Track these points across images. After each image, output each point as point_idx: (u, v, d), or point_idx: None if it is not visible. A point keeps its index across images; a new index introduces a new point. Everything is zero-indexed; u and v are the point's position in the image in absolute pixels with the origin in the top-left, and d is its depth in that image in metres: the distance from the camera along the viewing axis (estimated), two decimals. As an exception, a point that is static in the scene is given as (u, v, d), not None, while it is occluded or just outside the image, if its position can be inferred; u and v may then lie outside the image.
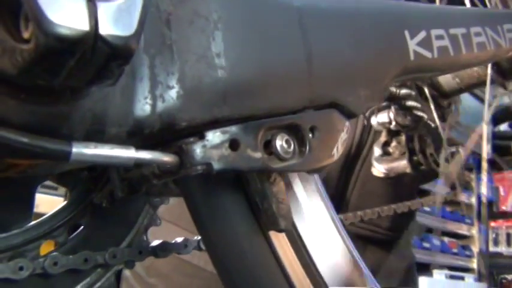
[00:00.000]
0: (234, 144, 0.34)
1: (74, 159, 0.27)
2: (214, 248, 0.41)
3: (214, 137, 0.34)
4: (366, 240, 1.13)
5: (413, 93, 0.88)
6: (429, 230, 2.88)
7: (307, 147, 0.39)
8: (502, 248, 3.16)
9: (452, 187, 1.05)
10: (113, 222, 0.45)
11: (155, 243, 0.47)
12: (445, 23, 0.55)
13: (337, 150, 0.42)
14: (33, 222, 0.40)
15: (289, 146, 0.38)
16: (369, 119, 1.08)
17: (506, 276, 3.05)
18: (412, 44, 0.49)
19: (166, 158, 0.32)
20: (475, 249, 3.12)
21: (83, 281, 0.42)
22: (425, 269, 2.68)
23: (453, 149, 1.03)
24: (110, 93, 0.29)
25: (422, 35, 0.51)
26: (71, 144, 0.27)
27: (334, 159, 0.42)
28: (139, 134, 0.31)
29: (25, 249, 0.39)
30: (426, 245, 2.83)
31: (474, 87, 0.86)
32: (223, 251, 0.40)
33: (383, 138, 1.05)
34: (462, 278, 2.79)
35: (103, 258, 0.42)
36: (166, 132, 0.32)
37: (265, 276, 0.41)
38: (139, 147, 0.32)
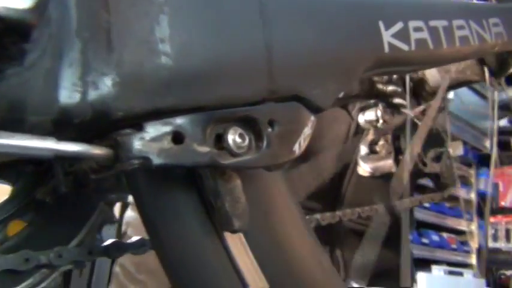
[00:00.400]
0: (177, 137, 0.32)
1: (-19, 150, 0.24)
2: (163, 250, 0.38)
3: (154, 129, 0.31)
4: (361, 235, 1.10)
5: (399, 90, 0.86)
6: (426, 225, 2.85)
7: (265, 142, 0.36)
8: (501, 244, 3.13)
9: (443, 186, 1.03)
10: (62, 219, 0.42)
11: (108, 242, 0.45)
12: (425, 14, 0.52)
13: (300, 146, 0.40)
14: (-33, 218, 0.37)
15: (243, 141, 0.35)
16: (356, 117, 1.05)
17: (505, 272, 3.02)
18: (387, 36, 0.46)
19: (97, 151, 0.29)
20: (474, 245, 3.09)
21: (25, 281, 0.39)
22: (424, 264, 2.66)
23: (442, 149, 1.00)
24: (31, 79, 0.26)
25: (398, 26, 0.48)
26: (-24, 133, 0.24)
27: (296, 156, 0.39)
28: (67, 124, 0.28)
29: (-43, 246, 0.36)
30: (425, 240, 2.81)
31: (462, 85, 0.83)
32: (173, 253, 0.38)
33: (370, 136, 1.02)
34: (461, 274, 2.76)
35: (47, 258, 0.39)
36: (101, 123, 0.30)
37: (218, 280, 0.38)
38: (73, 138, 0.29)
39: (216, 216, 0.38)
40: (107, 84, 0.29)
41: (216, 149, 0.34)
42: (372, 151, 0.99)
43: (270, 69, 0.37)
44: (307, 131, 0.41)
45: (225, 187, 0.37)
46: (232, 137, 0.35)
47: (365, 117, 1.00)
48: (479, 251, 3.04)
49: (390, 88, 0.90)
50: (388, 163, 0.92)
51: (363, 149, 1.00)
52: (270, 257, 0.41)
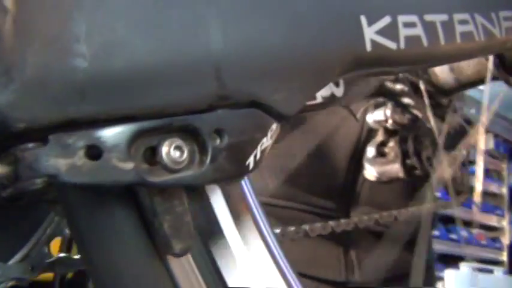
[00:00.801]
0: (92, 152, 0.27)
1: None
2: (97, 272, 0.34)
3: (63, 142, 0.27)
4: (377, 236, 1.04)
5: (406, 89, 0.79)
6: (454, 221, 2.73)
7: (209, 156, 0.32)
8: (534, 240, 2.98)
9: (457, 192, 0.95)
10: (3, 232, 0.39)
11: (55, 257, 0.41)
12: (420, 7, 0.45)
13: (255, 160, 0.35)
14: None
15: (181, 154, 0.31)
16: (363, 117, 0.99)
17: (538, 269, 2.88)
18: (370, 32, 0.41)
19: (-8, 168, 0.25)
20: (505, 241, 2.95)
21: (-43, 300, 0.36)
22: (452, 261, 2.55)
23: (456, 152, 0.93)
24: None
25: (385, 21, 0.42)
26: None
27: (249, 171, 0.34)
28: (-47, 137, 0.24)
29: None
30: (453, 236, 2.70)
31: (475, 84, 0.75)
32: (108, 276, 0.34)
33: (379, 137, 0.95)
34: (491, 271, 2.63)
35: (-19, 275, 0.36)
36: (-2, 136, 0.26)
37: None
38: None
39: (156, 238, 0.33)
40: (3, 90, 0.25)
41: (146, 164, 0.30)
42: (380, 153, 0.93)
43: (218, 72, 0.32)
44: (267, 141, 0.36)
45: (164, 206, 0.32)
46: (167, 150, 0.30)
47: (373, 117, 0.94)
48: (510, 247, 2.90)
49: (398, 87, 0.84)
50: (395, 167, 0.85)
51: (370, 151, 0.94)
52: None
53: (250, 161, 0.34)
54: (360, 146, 1.01)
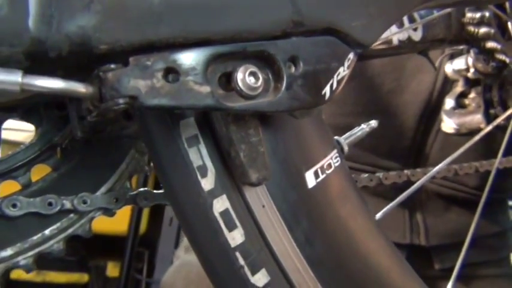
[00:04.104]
0: (171, 75, 0.28)
1: None
2: (176, 201, 0.35)
3: (143, 64, 0.27)
4: (449, 200, 1.00)
5: (493, 31, 0.73)
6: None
7: (284, 83, 0.31)
8: None
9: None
10: (89, 166, 0.41)
11: (137, 191, 0.43)
12: None
13: (332, 90, 0.34)
14: (-11, 161, 0.38)
15: (256, 81, 0.30)
16: (442, 66, 0.93)
17: None
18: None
19: (79, 88, 0.27)
20: None
21: (52, 225, 0.39)
22: None
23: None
24: (-5, 5, 0.24)
25: None
26: None
27: (326, 101, 0.33)
28: (42, 58, 0.26)
29: (-20, 188, 0.37)
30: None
31: None
32: (186, 205, 0.35)
33: (459, 88, 0.89)
34: None
35: (71, 203, 0.39)
36: (82, 58, 0.27)
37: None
38: (59, 75, 0.27)
39: (232, 167, 0.34)
40: (86, 13, 0.26)
41: (222, 90, 0.30)
42: (460, 105, 0.87)
43: (293, -4, 0.31)
44: (344, 71, 0.34)
45: (239, 134, 0.32)
46: (242, 76, 0.30)
47: (453, 66, 0.88)
48: None
49: (483, 30, 0.77)
50: (476, 118, 0.80)
51: (449, 103, 0.88)
52: (298, 213, 0.37)
53: (327, 90, 0.33)
54: (433, 100, 0.95)
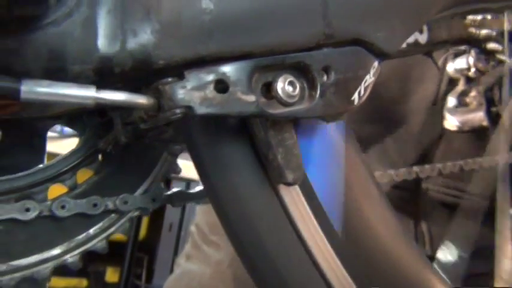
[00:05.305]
0: (220, 86, 0.31)
1: (25, 97, 0.25)
2: (217, 200, 0.38)
3: (196, 77, 0.30)
4: (452, 209, 1.02)
5: (494, 33, 0.76)
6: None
7: (318, 91, 0.34)
8: None
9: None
10: (127, 169, 0.44)
11: (172, 191, 0.46)
12: None
13: (359, 96, 0.37)
14: (40, 166, 0.40)
15: (294, 89, 0.33)
16: (444, 66, 0.96)
17: None
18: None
19: (140, 100, 0.29)
20: None
21: (96, 225, 0.42)
22: None
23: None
24: (69, 27, 0.26)
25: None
26: (20, 81, 0.25)
27: (355, 106, 0.36)
28: (108, 73, 0.28)
29: (32, 191, 0.39)
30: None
31: None
32: (227, 203, 0.37)
33: (460, 87, 0.93)
34: None
35: (113, 204, 0.41)
36: (143, 72, 0.29)
37: (272, 232, 0.38)
38: (119, 88, 0.30)
39: (269, 169, 0.37)
40: (146, 32, 0.28)
41: (264, 98, 0.33)
42: (461, 103, 0.90)
43: (325, 11, 0.34)
44: (370, 78, 0.37)
45: (277, 138, 0.35)
46: (281, 85, 0.33)
47: (455, 66, 0.91)
48: None
49: (484, 32, 0.81)
50: (478, 115, 0.83)
51: (451, 101, 0.91)
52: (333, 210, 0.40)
53: (355, 96, 0.36)
54: (437, 108, 0.98)
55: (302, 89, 0.34)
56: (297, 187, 0.39)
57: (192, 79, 0.30)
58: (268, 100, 0.33)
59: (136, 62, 0.29)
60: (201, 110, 0.30)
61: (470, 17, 0.79)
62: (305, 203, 0.39)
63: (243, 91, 0.31)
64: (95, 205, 0.41)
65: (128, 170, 0.44)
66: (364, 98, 0.37)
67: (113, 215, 0.43)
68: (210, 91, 0.30)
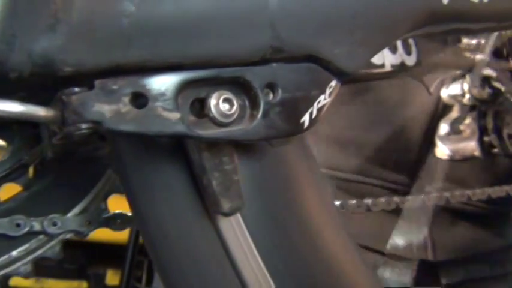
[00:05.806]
0: (138, 100, 0.26)
1: None
2: (146, 229, 0.33)
3: (109, 88, 0.26)
4: (456, 214, 0.98)
5: (488, 59, 0.72)
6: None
7: (260, 111, 0.30)
8: None
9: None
10: (63, 186, 0.40)
11: (112, 213, 0.42)
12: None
13: (311, 118, 0.32)
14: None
15: (230, 107, 0.29)
16: (438, 91, 0.92)
17: None
18: (447, -18, 0.36)
19: (40, 112, 0.25)
20: None
21: (20, 247, 0.38)
22: None
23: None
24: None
25: (466, -31, 0.37)
26: None
27: (304, 130, 0.32)
28: (2, 78, 0.24)
29: None
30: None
31: None
32: (157, 233, 0.33)
33: (454, 113, 0.88)
34: None
35: (40, 224, 0.37)
36: (46, 80, 0.25)
37: (207, 267, 0.33)
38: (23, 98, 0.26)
39: (205, 196, 0.32)
40: (50, 34, 0.25)
41: (194, 116, 0.29)
42: (454, 131, 0.86)
43: (272, 21, 0.30)
44: (325, 99, 0.33)
45: (213, 161, 0.31)
46: (215, 103, 0.29)
47: (449, 92, 0.87)
48: None
49: (479, 56, 0.77)
50: (470, 145, 0.79)
51: (444, 128, 0.87)
52: (277, 246, 0.35)
53: (305, 119, 0.32)
54: (435, 121, 0.94)
55: (242, 107, 0.30)
56: (238, 216, 0.34)
57: (104, 90, 0.26)
58: (200, 119, 0.29)
59: (36, 67, 0.25)
60: (111, 125, 0.26)
61: (465, 41, 0.75)
62: (248, 237, 0.34)
63: (165, 107, 0.27)
64: (18, 225, 0.37)
65: (63, 187, 0.40)
66: (317, 121, 0.33)
67: (41, 236, 0.39)
68: (125, 104, 0.26)
